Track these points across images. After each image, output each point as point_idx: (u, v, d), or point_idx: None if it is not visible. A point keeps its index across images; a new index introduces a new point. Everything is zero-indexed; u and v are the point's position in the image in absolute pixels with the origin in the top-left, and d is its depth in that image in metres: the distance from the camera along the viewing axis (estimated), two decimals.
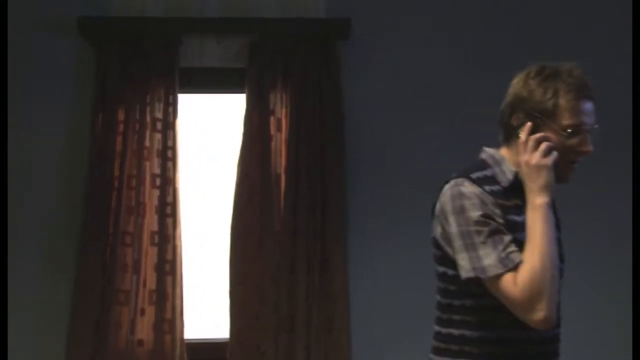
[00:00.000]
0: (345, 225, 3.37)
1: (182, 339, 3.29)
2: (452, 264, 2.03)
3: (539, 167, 2.02)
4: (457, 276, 2.01)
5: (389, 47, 3.53)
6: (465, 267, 1.98)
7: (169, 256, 3.30)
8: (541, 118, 2.04)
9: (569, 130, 2.04)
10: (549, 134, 2.05)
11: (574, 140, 2.06)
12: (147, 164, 3.33)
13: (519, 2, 3.60)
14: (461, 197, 2.02)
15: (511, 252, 1.96)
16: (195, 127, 3.58)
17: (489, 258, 1.95)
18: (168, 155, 3.35)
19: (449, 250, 2.04)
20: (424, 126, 3.50)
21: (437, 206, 2.09)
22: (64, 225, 3.34)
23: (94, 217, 3.26)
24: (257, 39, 3.40)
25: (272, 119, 3.39)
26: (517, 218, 2.04)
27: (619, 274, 3.35)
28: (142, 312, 3.27)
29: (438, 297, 2.11)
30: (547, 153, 2.03)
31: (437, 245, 2.09)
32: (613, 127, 3.21)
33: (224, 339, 3.32)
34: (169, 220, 3.32)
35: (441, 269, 2.09)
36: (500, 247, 1.96)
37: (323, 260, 3.33)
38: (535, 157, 2.03)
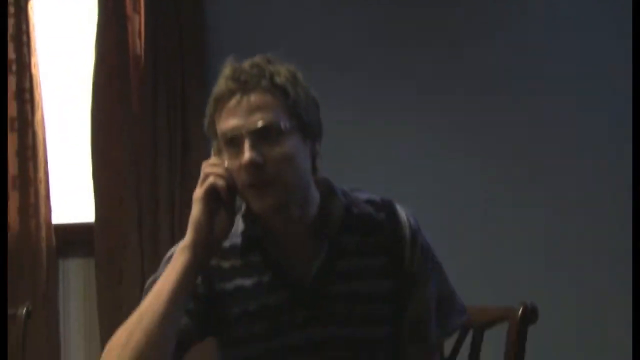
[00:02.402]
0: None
1: (48, 222, 3.32)
2: None
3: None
4: None
5: None
6: None
7: (29, 142, 3.30)
8: None
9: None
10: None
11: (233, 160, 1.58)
12: None
13: None
14: None
15: None
16: (51, 10, 3.49)
17: None
18: (22, 39, 3.29)
19: None
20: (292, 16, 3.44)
21: None
22: None
23: None
24: None
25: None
26: (246, 281, 1.61)
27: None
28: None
29: None
30: (202, 182, 1.57)
31: None
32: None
33: (91, 222, 3.36)
34: (27, 106, 3.30)
35: None
36: None
37: (185, 141, 3.34)
38: None
